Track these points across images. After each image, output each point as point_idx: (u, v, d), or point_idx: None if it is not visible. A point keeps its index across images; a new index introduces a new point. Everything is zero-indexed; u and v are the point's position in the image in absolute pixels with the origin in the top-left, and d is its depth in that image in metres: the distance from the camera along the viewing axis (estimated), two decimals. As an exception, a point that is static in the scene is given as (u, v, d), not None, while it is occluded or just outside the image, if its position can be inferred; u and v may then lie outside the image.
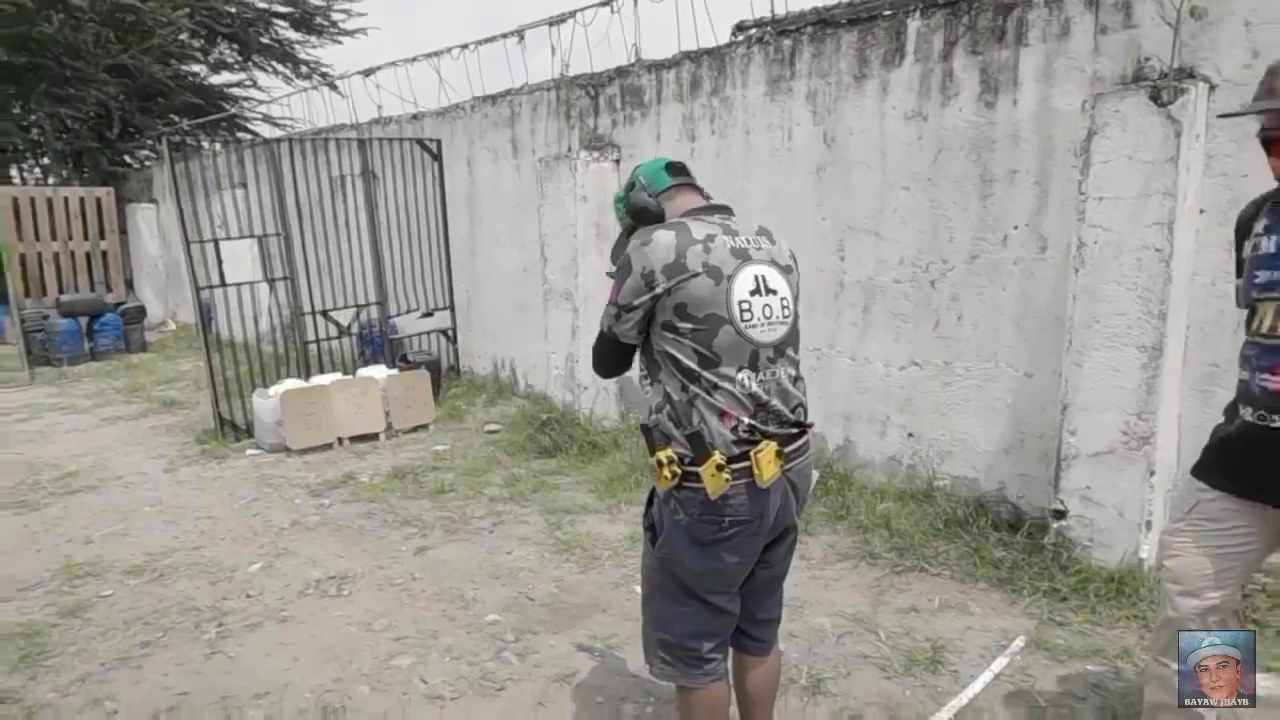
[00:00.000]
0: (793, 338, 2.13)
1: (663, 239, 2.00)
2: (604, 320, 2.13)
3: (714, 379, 1.98)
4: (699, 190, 2.26)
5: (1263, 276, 2.06)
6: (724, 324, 1.98)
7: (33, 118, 11.63)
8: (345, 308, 7.05)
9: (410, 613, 3.62)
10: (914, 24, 4.22)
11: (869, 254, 4.56)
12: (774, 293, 2.08)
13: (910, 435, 4.53)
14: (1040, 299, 3.94)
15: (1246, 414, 2.05)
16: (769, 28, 4.84)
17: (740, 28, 5.03)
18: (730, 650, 2.33)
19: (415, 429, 6.43)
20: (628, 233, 2.28)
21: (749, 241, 2.10)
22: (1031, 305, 3.99)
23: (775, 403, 2.05)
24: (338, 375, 6.44)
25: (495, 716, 2.87)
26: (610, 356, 2.21)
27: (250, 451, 6.05)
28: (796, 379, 2.14)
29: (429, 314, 7.36)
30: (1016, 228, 3.99)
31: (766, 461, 1.98)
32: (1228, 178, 3.41)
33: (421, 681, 3.09)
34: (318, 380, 6.25)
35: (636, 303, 2.02)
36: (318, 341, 6.81)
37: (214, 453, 6.04)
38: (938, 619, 3.45)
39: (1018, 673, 3.04)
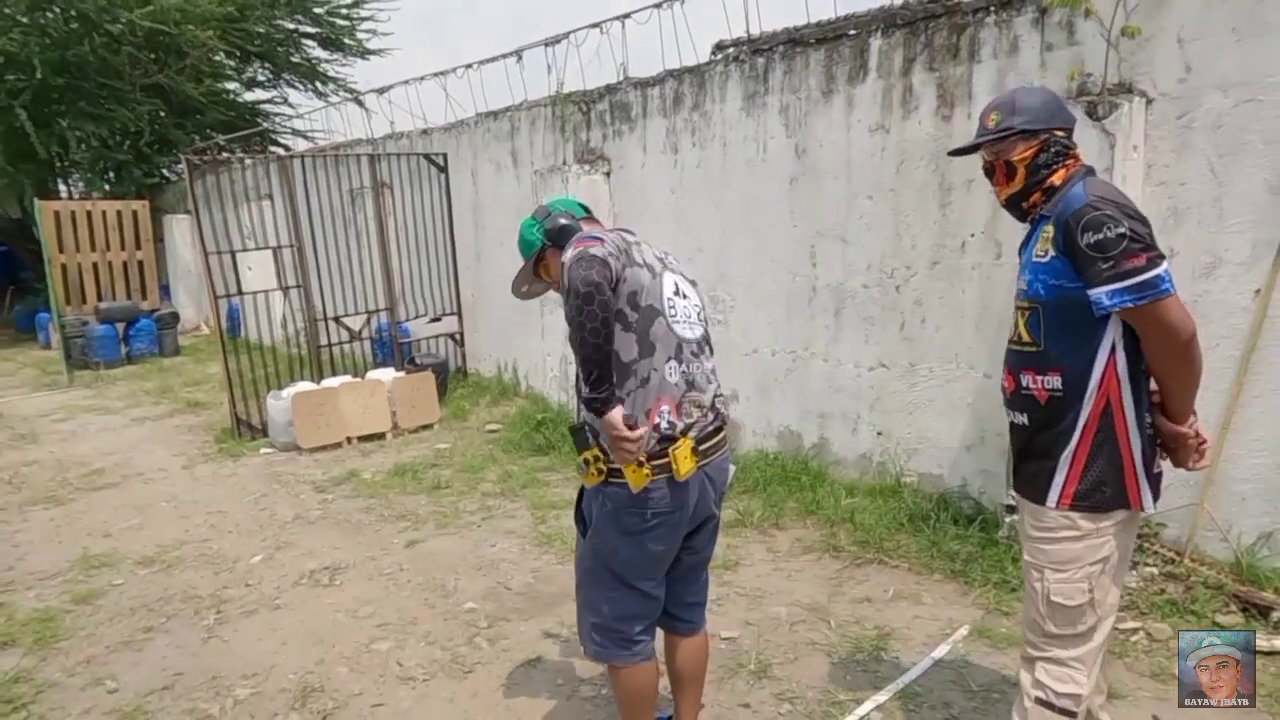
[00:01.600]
0: (706, 338, 2.38)
1: (610, 234, 2.22)
2: (597, 249, 2.05)
3: (647, 371, 2.19)
4: (600, 224, 2.51)
5: (1015, 289, 2.29)
6: (658, 315, 2.22)
7: (78, 134, 12.19)
8: (357, 314, 7.38)
9: (394, 601, 3.88)
10: (876, 43, 4.39)
11: (838, 260, 4.73)
12: (687, 298, 2.35)
13: (880, 433, 4.69)
14: (997, 302, 4.09)
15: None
16: (745, 47, 5.04)
17: (719, 47, 5.23)
18: (660, 631, 2.55)
19: (420, 428, 6.72)
20: (535, 263, 2.50)
21: (662, 254, 2.37)
22: (989, 308, 4.13)
23: (695, 392, 2.27)
24: (348, 377, 6.75)
25: (461, 697, 3.10)
26: (599, 286, 2.00)
27: (264, 450, 6.39)
28: (713, 376, 2.37)
29: (437, 319, 7.67)
30: (974, 234, 4.14)
31: (683, 458, 2.20)
32: (1167, 186, 3.54)
33: (397, 664, 3.33)
34: (328, 382, 6.57)
35: (618, 254, 2.11)
36: (329, 346, 7.14)
37: (230, 451, 6.39)
38: (890, 609, 3.61)
39: (958, 659, 3.20)
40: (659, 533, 2.27)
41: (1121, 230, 1.90)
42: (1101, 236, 1.91)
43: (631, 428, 2.07)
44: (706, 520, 2.42)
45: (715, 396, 2.36)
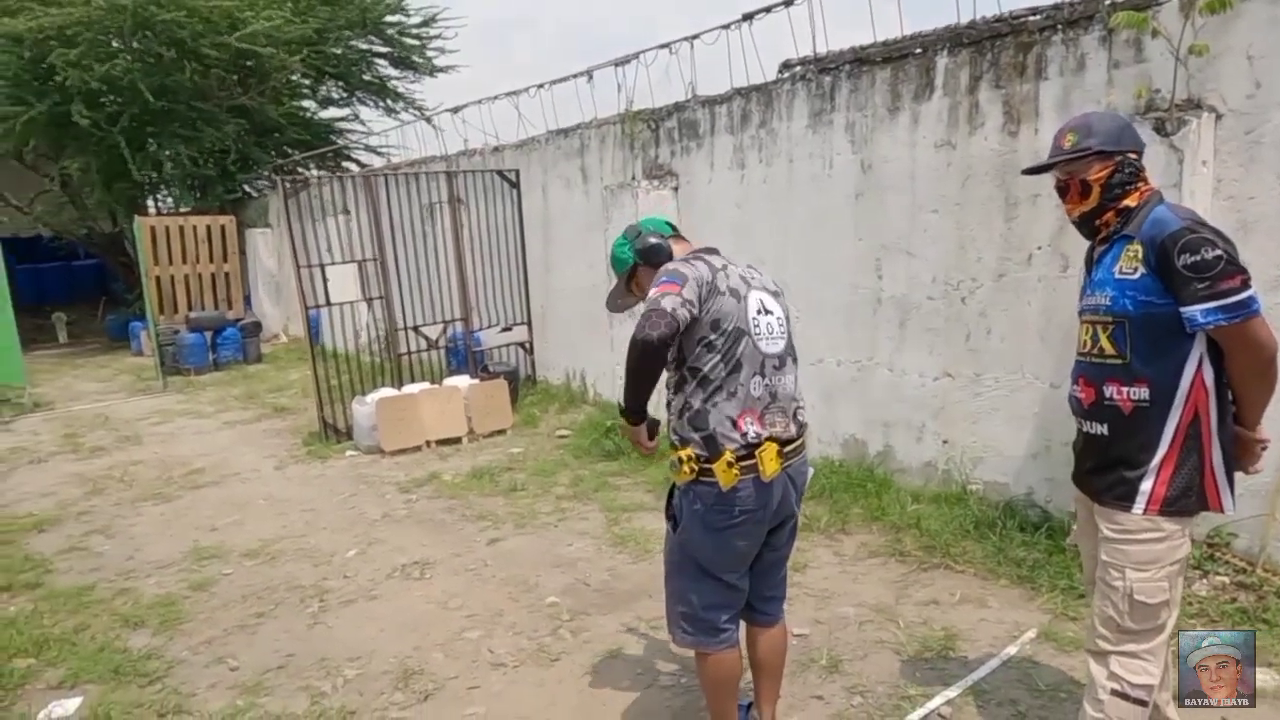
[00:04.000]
0: (790, 349, 2.55)
1: (698, 264, 2.44)
2: (669, 301, 2.27)
3: (734, 386, 2.39)
4: (688, 241, 2.71)
5: (1079, 305, 2.40)
6: (744, 335, 2.41)
7: (166, 154, 12.93)
8: (434, 323, 7.73)
9: (480, 594, 4.14)
10: (942, 61, 4.52)
11: (903, 272, 4.86)
12: (771, 313, 2.51)
13: (945, 442, 4.79)
14: (1062, 314, 4.16)
15: (1075, 421, 2.39)
16: (811, 65, 5.21)
17: (786, 65, 5.41)
18: (742, 623, 2.73)
19: (494, 433, 7.02)
20: (627, 279, 2.71)
21: (746, 272, 2.55)
22: (1054, 320, 4.21)
23: (780, 403, 2.45)
24: (426, 384, 7.10)
25: (549, 682, 3.33)
26: (658, 349, 2.29)
27: (349, 452, 6.76)
28: (795, 383, 2.54)
29: (508, 328, 7.99)
30: (1040, 248, 4.23)
31: (769, 459, 2.38)
32: (1235, 200, 3.60)
33: (489, 651, 3.58)
34: (409, 389, 6.92)
35: (695, 299, 2.34)
36: (409, 354, 7.50)
37: (318, 453, 6.78)
38: (956, 611, 3.73)
39: (1025, 660, 3.30)
40: (745, 529, 2.45)
41: (1218, 253, 2.02)
42: (1199, 258, 2.02)
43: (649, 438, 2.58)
44: (787, 519, 2.59)
45: (797, 406, 2.52)
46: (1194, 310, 2.05)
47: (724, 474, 2.36)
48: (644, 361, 2.33)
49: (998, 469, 4.56)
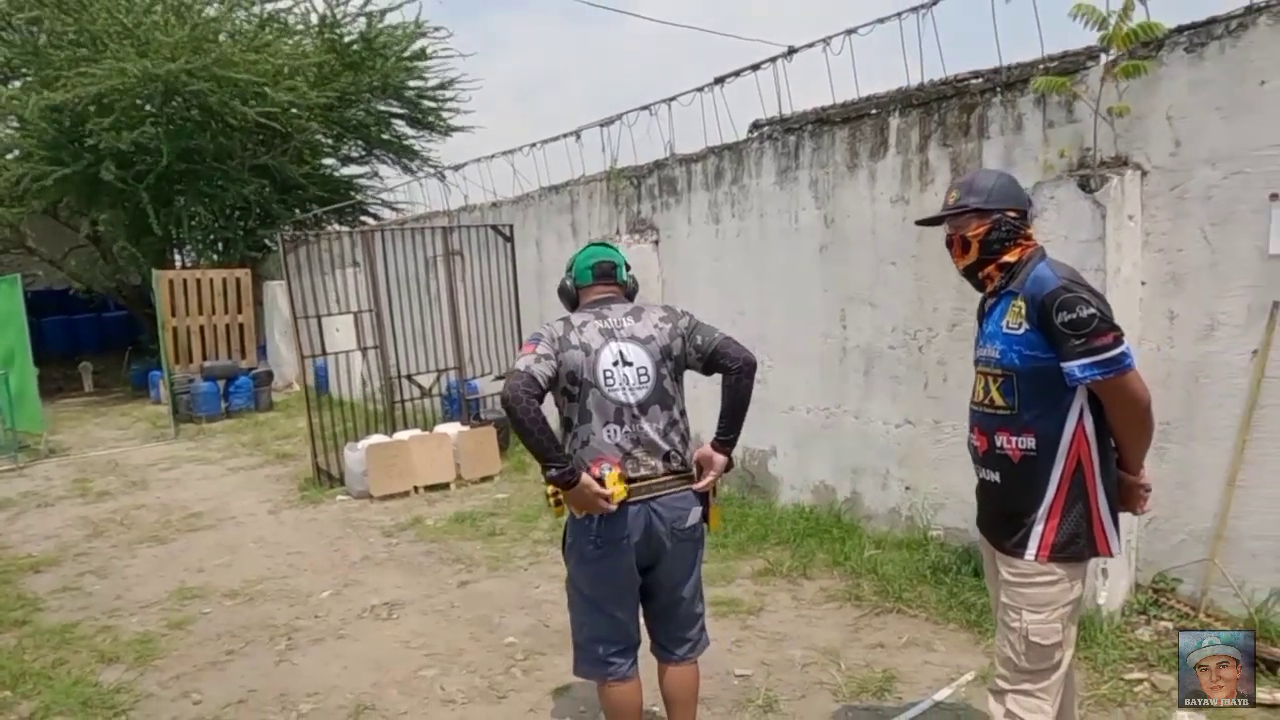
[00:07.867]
0: (657, 397, 2.64)
1: (557, 324, 2.70)
2: (523, 361, 2.53)
3: (586, 435, 2.60)
4: (608, 284, 2.82)
5: (974, 355, 2.52)
6: (592, 387, 2.61)
7: (192, 210, 13.48)
8: (429, 372, 7.96)
9: (445, 634, 4.26)
10: (894, 121, 4.73)
11: (867, 322, 5.01)
12: (630, 364, 2.64)
13: (908, 488, 4.87)
14: (1011, 363, 4.28)
15: (974, 468, 2.51)
16: (778, 126, 5.44)
17: (755, 126, 5.66)
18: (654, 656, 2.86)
19: (482, 479, 7.18)
20: None
21: (615, 324, 2.70)
22: (1005, 369, 4.32)
23: (640, 452, 2.60)
24: (417, 431, 7.29)
25: (495, 718, 3.44)
26: (515, 403, 2.44)
27: (340, 497, 6.95)
28: (667, 431, 2.65)
29: (502, 376, 8.17)
30: (988, 298, 4.37)
31: (611, 483, 2.51)
32: (1165, 253, 3.73)
33: (440, 689, 3.70)
34: (399, 435, 7.11)
35: (550, 353, 2.59)
36: (402, 402, 7.71)
37: (311, 498, 6.97)
38: (901, 654, 3.78)
39: (959, 703, 3.36)
40: (610, 561, 2.60)
41: (1091, 311, 2.13)
42: (1074, 316, 2.13)
43: (600, 481, 2.50)
44: (662, 555, 2.65)
45: (669, 453, 2.63)
46: (1072, 365, 2.16)
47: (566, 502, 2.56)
48: (512, 415, 2.43)
49: (958, 515, 4.62)
